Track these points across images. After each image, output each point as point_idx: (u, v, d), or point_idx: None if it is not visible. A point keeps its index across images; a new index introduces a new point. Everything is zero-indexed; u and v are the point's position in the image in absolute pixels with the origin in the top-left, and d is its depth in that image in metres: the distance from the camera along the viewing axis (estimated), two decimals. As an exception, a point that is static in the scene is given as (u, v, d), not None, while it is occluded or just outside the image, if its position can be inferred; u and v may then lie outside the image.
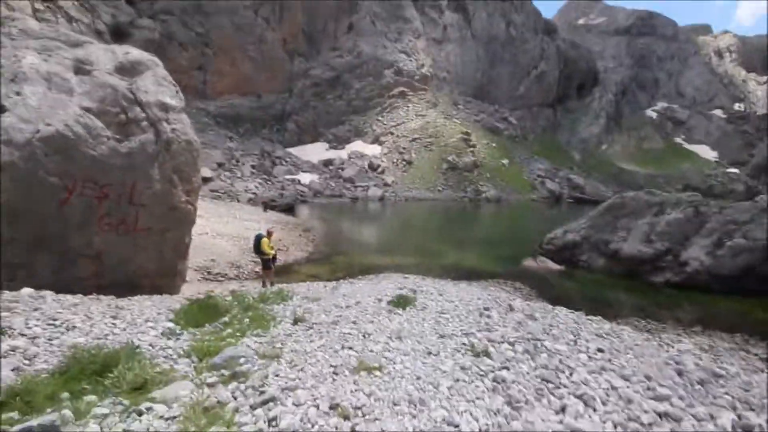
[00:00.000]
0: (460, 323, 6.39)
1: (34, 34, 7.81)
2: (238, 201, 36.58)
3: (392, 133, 69.53)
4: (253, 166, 53.89)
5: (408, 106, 73.24)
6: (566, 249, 16.18)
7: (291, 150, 63.65)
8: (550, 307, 8.27)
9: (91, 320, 5.12)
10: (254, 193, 44.69)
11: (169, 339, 5.01)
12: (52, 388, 3.37)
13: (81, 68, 7.52)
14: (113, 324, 5.09)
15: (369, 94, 71.41)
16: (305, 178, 55.15)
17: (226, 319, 6.21)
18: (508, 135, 79.47)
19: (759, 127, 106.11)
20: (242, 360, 4.26)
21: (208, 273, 12.18)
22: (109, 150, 7.52)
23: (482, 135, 72.64)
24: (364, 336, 5.35)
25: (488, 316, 6.74)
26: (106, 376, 3.58)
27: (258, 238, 11.11)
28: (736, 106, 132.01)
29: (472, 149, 66.44)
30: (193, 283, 11.06)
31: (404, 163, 63.92)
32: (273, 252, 11.24)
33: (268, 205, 31.53)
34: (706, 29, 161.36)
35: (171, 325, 5.58)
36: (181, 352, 4.56)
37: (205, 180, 45.84)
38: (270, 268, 11.19)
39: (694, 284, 13.13)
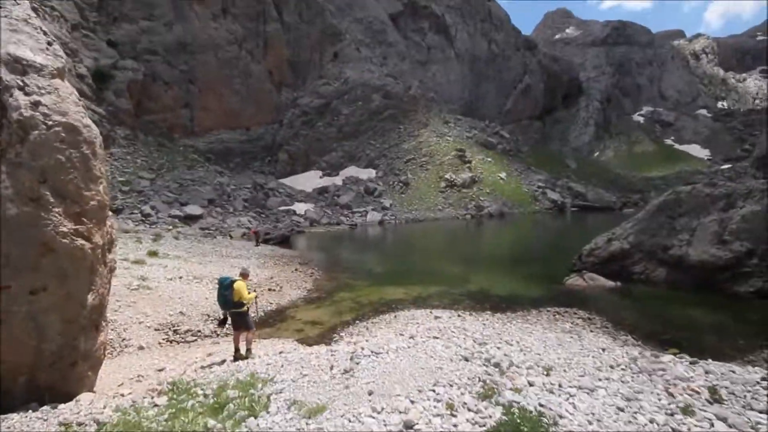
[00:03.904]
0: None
1: None
2: (231, 237, 33.96)
3: (386, 156, 68.05)
4: (245, 200, 51.58)
5: (399, 128, 72.19)
6: (613, 261, 13.72)
7: (284, 181, 61.69)
8: (730, 367, 5.58)
9: None
10: (247, 228, 42.16)
11: None
12: None
13: None
14: None
15: (359, 118, 70.35)
16: (300, 208, 52.89)
17: None
18: (502, 149, 78.41)
19: (746, 122, 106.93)
20: None
21: (174, 332, 9.15)
22: None
23: (477, 151, 71.40)
24: None
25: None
26: None
27: (225, 285, 6.88)
28: (719, 105, 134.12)
29: (468, 165, 64.94)
30: (150, 349, 8.12)
31: (401, 184, 62.09)
32: (251, 298, 7.21)
33: (260, 238, 28.89)
34: (679, 34, 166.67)
35: None
36: None
37: (194, 218, 43.40)
38: (248, 327, 7.10)
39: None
